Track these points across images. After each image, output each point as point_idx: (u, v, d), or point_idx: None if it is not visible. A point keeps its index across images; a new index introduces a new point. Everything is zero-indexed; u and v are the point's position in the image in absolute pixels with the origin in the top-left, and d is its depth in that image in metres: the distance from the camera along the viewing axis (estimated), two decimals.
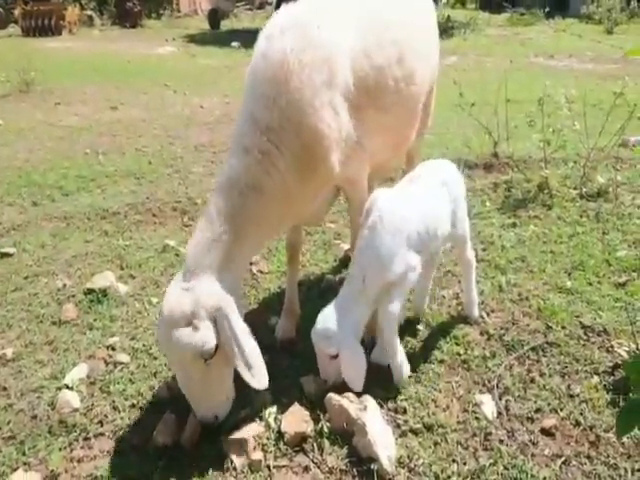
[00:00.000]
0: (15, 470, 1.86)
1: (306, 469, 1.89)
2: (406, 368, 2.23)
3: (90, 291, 2.92)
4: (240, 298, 1.97)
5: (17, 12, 18.36)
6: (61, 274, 3.20)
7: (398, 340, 2.20)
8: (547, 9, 17.44)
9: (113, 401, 2.18)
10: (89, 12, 20.83)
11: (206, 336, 1.80)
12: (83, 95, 8.31)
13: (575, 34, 15.50)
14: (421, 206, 2.18)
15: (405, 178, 2.34)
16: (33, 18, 17.65)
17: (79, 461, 1.91)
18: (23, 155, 5.47)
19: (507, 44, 14.21)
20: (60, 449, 1.95)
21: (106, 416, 2.10)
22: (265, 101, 1.99)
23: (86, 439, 2.00)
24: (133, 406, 2.15)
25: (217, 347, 1.84)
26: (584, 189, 4.01)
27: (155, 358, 2.43)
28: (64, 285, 3.06)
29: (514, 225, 3.63)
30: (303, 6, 2.19)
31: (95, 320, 2.74)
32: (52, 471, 1.86)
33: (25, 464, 1.90)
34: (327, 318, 2.05)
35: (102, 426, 2.06)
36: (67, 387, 2.24)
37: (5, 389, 2.28)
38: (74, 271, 3.22)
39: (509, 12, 19.61)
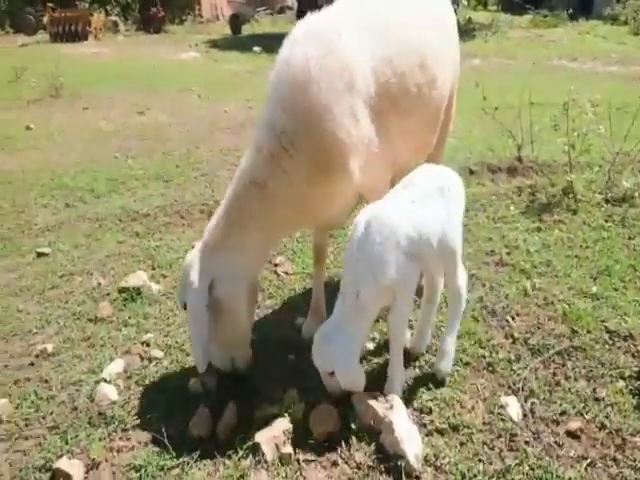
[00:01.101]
0: (60, 457, 1.96)
1: (334, 464, 1.95)
2: (399, 383, 2.20)
3: (124, 290, 3.04)
4: (236, 285, 2.13)
5: (46, 19, 18.91)
6: (96, 273, 3.33)
7: (402, 354, 2.19)
8: (570, 11, 17.29)
9: (149, 395, 2.28)
10: (114, 18, 21.31)
11: (179, 292, 2.18)
12: (110, 100, 8.54)
13: (599, 36, 15.33)
14: (412, 211, 2.09)
15: (400, 183, 2.24)
16: (61, 24, 18.16)
17: (118, 451, 2.00)
18: (55, 158, 5.66)
19: (530, 46, 14.06)
20: (100, 439, 2.05)
21: (142, 409, 2.20)
22: (283, 104, 2.07)
23: (124, 430, 2.10)
24: (168, 400, 2.25)
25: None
26: (609, 194, 4.00)
27: (187, 354, 2.53)
28: (99, 284, 3.19)
29: (539, 229, 3.64)
30: (327, 14, 2.25)
31: (130, 317, 2.85)
32: (93, 460, 1.96)
33: (68, 452, 2.00)
34: (322, 337, 2.06)
35: (139, 418, 2.15)
36: (105, 381, 2.35)
37: (47, 381, 2.40)
38: (108, 270, 3.35)
39: (531, 14, 19.40)
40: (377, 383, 2.22)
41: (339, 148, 2.09)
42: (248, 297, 2.21)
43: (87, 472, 1.93)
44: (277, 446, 1.99)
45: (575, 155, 4.17)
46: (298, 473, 1.92)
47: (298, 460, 1.96)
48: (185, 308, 2.17)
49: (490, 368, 2.38)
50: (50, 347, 2.61)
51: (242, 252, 2.12)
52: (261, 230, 2.14)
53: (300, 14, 17.91)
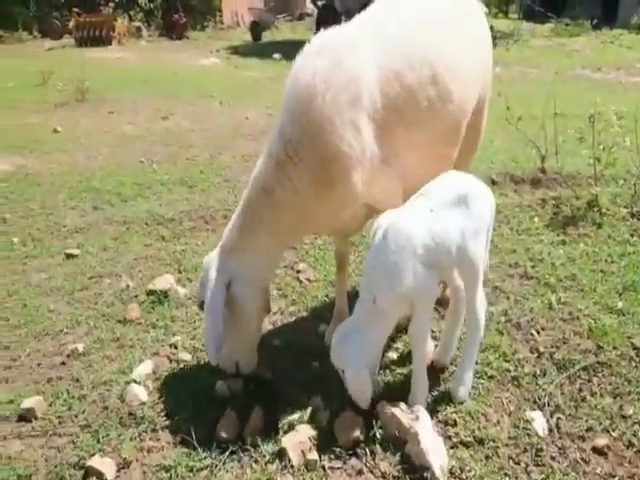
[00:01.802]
0: (92, 455, 2.02)
1: (359, 472, 1.97)
2: (423, 395, 2.20)
3: (152, 292, 3.10)
4: (252, 285, 2.25)
5: (71, 24, 19.37)
6: (124, 275, 3.41)
7: (424, 365, 2.20)
8: (594, 20, 17.11)
9: (177, 396, 2.32)
10: (137, 23, 21.71)
11: (199, 290, 2.29)
12: (135, 105, 8.70)
13: (624, 45, 15.15)
14: (429, 220, 2.07)
15: (420, 191, 2.23)
16: (86, 29, 18.59)
17: (149, 451, 2.05)
18: (82, 161, 5.80)
19: (552, 55, 13.96)
20: (131, 439, 2.10)
21: (171, 410, 2.25)
22: (291, 116, 2.16)
23: (154, 431, 2.15)
24: (196, 401, 2.29)
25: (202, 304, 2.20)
26: (635, 208, 3.96)
27: None
28: (127, 286, 3.26)
29: (563, 243, 3.62)
30: (341, 29, 2.31)
31: (157, 320, 2.91)
32: (124, 459, 2.01)
33: (100, 450, 2.06)
34: (338, 336, 2.09)
35: (168, 419, 2.20)
36: (135, 382, 2.40)
37: (78, 380, 2.47)
38: (136, 273, 3.43)
39: (553, 22, 19.26)
40: (401, 394, 2.24)
41: (341, 159, 2.15)
42: (260, 301, 2.29)
43: (119, 471, 1.98)
44: (303, 452, 2.02)
45: (600, 168, 4.14)
46: (324, 479, 1.94)
47: (324, 467, 1.99)
48: (201, 308, 2.25)
49: (515, 382, 2.38)
50: (81, 347, 2.68)
51: (254, 255, 2.22)
52: (270, 234, 2.22)
53: (319, 21, 18.04)
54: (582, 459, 2.00)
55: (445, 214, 2.10)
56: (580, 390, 2.34)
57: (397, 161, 2.31)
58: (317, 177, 2.16)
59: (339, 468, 1.99)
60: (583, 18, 18.66)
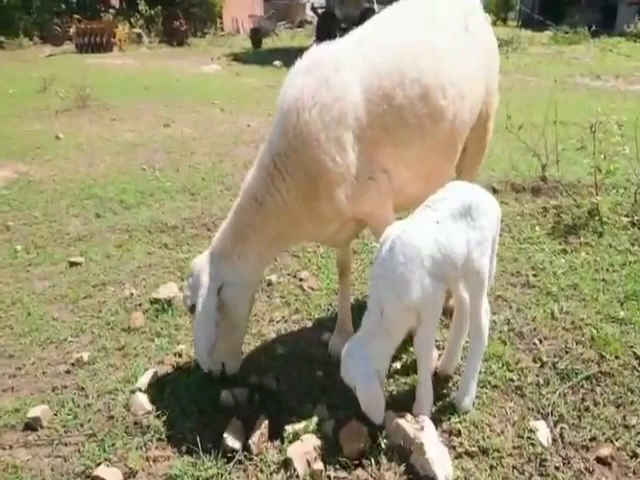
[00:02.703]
0: (98, 465, 2.02)
1: None
2: (428, 405, 2.21)
3: (156, 301, 3.12)
4: (242, 289, 2.34)
5: (72, 30, 19.46)
6: (127, 283, 3.43)
7: (429, 375, 2.21)
8: (593, 27, 17.21)
9: (182, 405, 2.33)
10: (138, 30, 21.82)
11: (187, 294, 2.34)
12: (136, 112, 8.74)
13: (622, 53, 15.25)
14: (435, 231, 2.08)
15: (426, 202, 2.23)
16: (86, 35, 18.67)
17: (155, 460, 2.06)
18: (84, 169, 5.82)
19: (551, 63, 14.05)
20: (137, 448, 2.11)
21: (177, 419, 2.25)
22: (279, 130, 2.24)
23: (160, 440, 2.16)
24: (201, 411, 2.30)
25: (194, 307, 2.27)
26: (635, 217, 3.98)
27: None
28: (131, 294, 3.28)
29: (565, 251, 3.64)
30: (331, 46, 2.35)
31: (162, 328, 2.92)
32: (130, 468, 2.02)
33: (106, 460, 2.06)
34: (347, 351, 2.10)
35: (174, 428, 2.21)
36: (140, 390, 2.41)
37: (83, 389, 2.48)
38: (139, 281, 3.44)
39: (552, 30, 19.38)
40: (405, 404, 2.25)
41: (325, 175, 2.21)
42: (248, 306, 2.40)
43: None
44: (308, 462, 2.03)
45: (600, 177, 4.17)
46: None
47: (329, 477, 1.99)
48: (192, 311, 2.29)
49: (519, 392, 2.39)
50: (85, 356, 2.69)
51: (246, 262, 2.31)
52: (261, 242, 2.31)
53: (319, 28, 18.14)
54: (586, 469, 2.01)
55: (451, 225, 2.11)
56: (583, 400, 2.35)
57: (386, 177, 2.35)
58: (303, 191, 2.24)
59: (344, 478, 1.99)
60: (582, 26, 18.78)
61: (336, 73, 2.23)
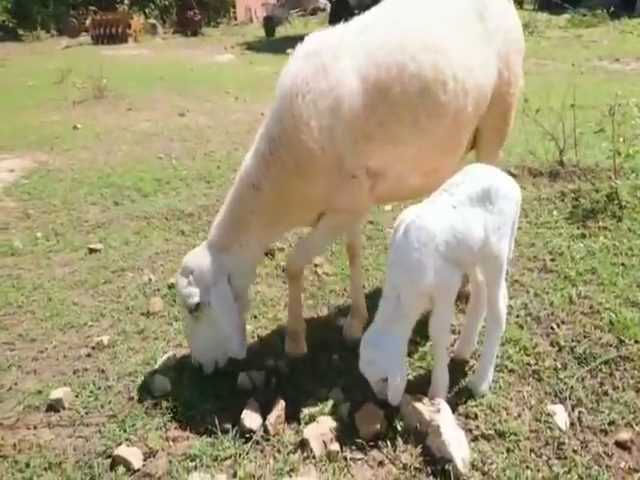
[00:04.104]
0: (119, 445, 2.07)
1: (381, 464, 1.99)
2: (444, 388, 2.21)
3: (174, 286, 3.13)
4: (247, 275, 2.42)
5: (88, 21, 19.59)
6: (146, 269, 3.48)
7: (445, 358, 2.21)
8: (612, 9, 16.72)
9: (200, 387, 2.37)
10: (152, 21, 21.87)
11: (191, 292, 2.29)
12: (152, 101, 8.79)
13: None
14: (451, 216, 2.06)
15: (443, 186, 2.20)
16: (102, 27, 18.79)
17: (174, 440, 2.10)
18: (101, 157, 5.89)
19: (569, 46, 13.72)
20: (157, 428, 2.15)
21: (195, 401, 2.29)
22: (275, 115, 2.25)
23: (179, 421, 2.20)
24: (218, 393, 2.34)
25: (198, 305, 2.29)
26: None
27: None
28: (149, 280, 3.33)
29: (583, 236, 3.57)
30: (332, 32, 2.32)
31: (179, 312, 2.95)
32: (150, 448, 2.06)
33: (127, 440, 2.11)
34: (368, 344, 2.09)
35: (192, 410, 2.25)
36: (159, 373, 2.45)
37: (104, 372, 2.54)
38: (157, 267, 3.49)
39: (570, 13, 18.87)
40: (421, 387, 2.25)
41: (311, 162, 2.22)
42: (249, 290, 2.50)
43: (145, 459, 2.03)
44: (325, 443, 2.06)
45: (619, 160, 4.07)
46: (346, 470, 1.97)
47: (345, 458, 2.01)
48: (195, 310, 2.29)
49: (536, 376, 2.37)
50: (106, 339, 2.74)
51: (248, 248, 2.35)
52: (260, 228, 2.34)
53: (333, 16, 17.92)
54: (605, 453, 1.99)
55: (468, 210, 2.09)
56: (602, 384, 2.32)
57: (370, 181, 2.32)
58: (291, 174, 2.24)
59: (360, 459, 2.01)
60: (600, 8, 18.23)
61: (334, 60, 2.20)
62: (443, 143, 2.44)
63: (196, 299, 2.28)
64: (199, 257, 2.34)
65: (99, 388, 2.41)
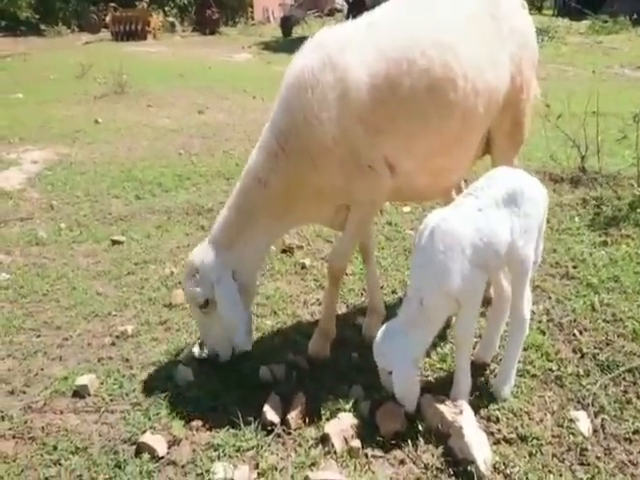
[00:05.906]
0: (143, 432, 2.10)
1: (402, 462, 2.00)
2: (466, 391, 2.20)
3: None
4: (252, 270, 2.43)
5: (108, 18, 19.84)
6: (168, 262, 3.52)
7: (468, 362, 2.20)
8: (635, 16, 16.53)
9: (223, 379, 2.40)
10: (171, 19, 22.10)
11: (198, 290, 2.31)
12: (171, 98, 8.88)
13: None
14: (477, 219, 2.05)
15: (468, 188, 2.19)
16: (122, 23, 19.02)
17: (197, 430, 2.13)
18: (123, 152, 5.97)
19: (589, 53, 13.63)
20: (180, 418, 2.18)
21: (218, 392, 2.32)
22: (282, 107, 2.25)
23: (202, 411, 2.22)
24: (240, 384, 2.36)
25: (207, 301, 2.32)
26: None
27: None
28: (171, 272, 3.37)
29: (605, 244, 3.55)
30: (340, 28, 2.33)
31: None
32: (174, 437, 2.09)
33: (151, 428, 2.14)
34: (385, 335, 2.09)
35: (215, 400, 2.27)
36: (182, 363, 2.48)
37: (128, 360, 2.57)
38: (179, 260, 3.52)
39: (590, 19, 18.70)
40: (443, 389, 2.25)
41: (323, 154, 2.21)
42: (255, 286, 2.51)
43: (169, 447, 2.05)
44: (346, 439, 2.06)
45: None
46: (367, 467, 1.97)
47: (366, 455, 2.02)
48: (204, 306, 2.33)
49: (558, 382, 2.36)
50: (130, 329, 2.78)
51: (253, 245, 2.35)
52: (266, 224, 2.33)
53: (349, 16, 17.95)
54: (630, 462, 1.98)
55: (494, 213, 2.08)
56: (625, 392, 2.31)
57: (387, 171, 2.30)
58: (304, 169, 2.23)
59: (381, 457, 2.02)
60: (622, 14, 18.04)
61: (340, 53, 2.20)
62: (452, 143, 2.43)
63: (200, 298, 2.32)
64: (203, 254, 2.33)
65: (123, 376, 2.45)
